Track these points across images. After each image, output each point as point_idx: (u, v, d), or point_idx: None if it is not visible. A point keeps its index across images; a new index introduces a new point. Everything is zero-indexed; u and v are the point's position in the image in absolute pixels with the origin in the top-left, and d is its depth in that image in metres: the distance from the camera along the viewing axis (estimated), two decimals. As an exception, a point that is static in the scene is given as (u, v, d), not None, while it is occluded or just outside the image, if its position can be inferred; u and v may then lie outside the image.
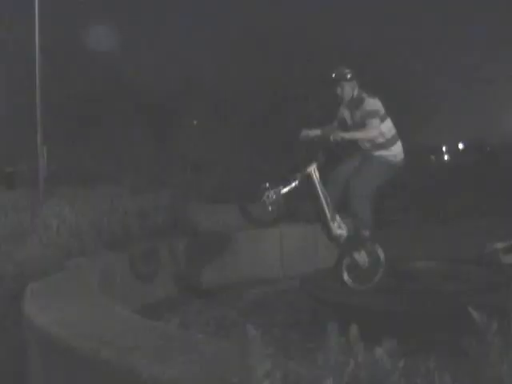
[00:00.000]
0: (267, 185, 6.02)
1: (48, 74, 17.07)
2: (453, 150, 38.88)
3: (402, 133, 6.49)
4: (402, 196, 12.58)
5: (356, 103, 6.31)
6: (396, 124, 6.46)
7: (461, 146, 40.85)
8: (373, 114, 6.15)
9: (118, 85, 20.27)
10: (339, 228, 6.28)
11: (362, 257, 6.30)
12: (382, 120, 6.24)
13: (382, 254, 6.32)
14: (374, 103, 6.21)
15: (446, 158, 35.86)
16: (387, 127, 6.30)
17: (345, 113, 6.52)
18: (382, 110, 6.28)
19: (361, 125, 6.24)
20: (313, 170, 6.16)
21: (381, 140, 6.26)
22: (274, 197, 5.98)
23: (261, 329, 5.32)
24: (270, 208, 5.98)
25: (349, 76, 6.33)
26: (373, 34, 19.34)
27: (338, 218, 6.31)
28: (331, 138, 6.06)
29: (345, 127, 6.45)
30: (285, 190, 6.04)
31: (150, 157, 16.39)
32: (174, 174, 13.72)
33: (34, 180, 13.94)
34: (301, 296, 6.75)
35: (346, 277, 6.20)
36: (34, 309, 4.68)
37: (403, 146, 6.44)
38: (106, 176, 12.62)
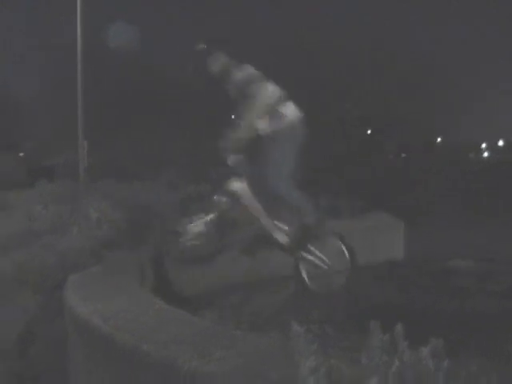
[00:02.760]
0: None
1: (90, 70, 17.27)
2: (493, 148, 38.41)
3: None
4: (441, 194, 12.46)
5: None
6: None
7: (501, 143, 40.35)
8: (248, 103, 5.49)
9: (156, 80, 20.38)
10: (283, 234, 5.91)
11: (319, 257, 5.84)
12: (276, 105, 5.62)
13: (346, 251, 5.85)
14: (267, 89, 5.55)
15: (486, 154, 35.47)
16: (268, 96, 5.54)
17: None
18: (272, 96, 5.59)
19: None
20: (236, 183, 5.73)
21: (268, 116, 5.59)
22: (196, 230, 5.69)
23: (299, 324, 5.31)
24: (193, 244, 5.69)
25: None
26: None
27: (277, 224, 5.92)
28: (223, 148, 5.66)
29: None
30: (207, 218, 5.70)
31: (188, 151, 16.43)
32: (211, 167, 13.71)
33: (74, 173, 14.09)
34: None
35: (308, 282, 5.83)
36: (75, 300, 4.73)
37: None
38: (145, 169, 12.69)
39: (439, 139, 24.58)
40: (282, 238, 5.92)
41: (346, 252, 5.86)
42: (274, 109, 5.62)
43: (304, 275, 5.83)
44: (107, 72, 20.48)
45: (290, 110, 5.71)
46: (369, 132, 15.16)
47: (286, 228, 5.93)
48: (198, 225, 5.68)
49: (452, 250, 7.81)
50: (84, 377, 4.50)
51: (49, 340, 5.49)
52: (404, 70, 15.67)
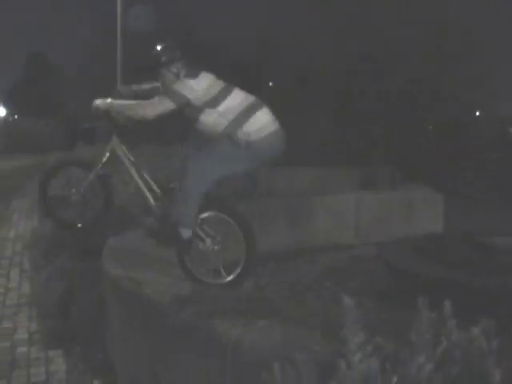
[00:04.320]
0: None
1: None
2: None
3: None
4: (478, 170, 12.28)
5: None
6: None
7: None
8: (173, 94, 4.79)
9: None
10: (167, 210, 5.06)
11: (207, 244, 5.05)
12: (216, 102, 4.84)
13: (244, 239, 4.98)
14: (187, 86, 4.82)
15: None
16: (230, 106, 4.84)
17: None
18: (212, 91, 4.86)
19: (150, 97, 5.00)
20: (116, 146, 5.18)
21: (223, 123, 4.80)
22: (77, 193, 5.19)
23: (335, 295, 5.30)
24: (76, 208, 5.28)
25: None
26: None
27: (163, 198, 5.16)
28: (94, 104, 5.01)
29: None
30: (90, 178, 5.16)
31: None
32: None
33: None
34: (377, 264, 6.64)
35: (196, 272, 5.04)
36: (113, 265, 4.77)
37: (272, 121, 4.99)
38: (182, 133, 12.69)
39: (478, 113, 24.17)
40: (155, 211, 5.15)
41: (243, 242, 5.00)
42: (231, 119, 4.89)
43: (191, 263, 5.05)
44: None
45: (251, 125, 4.88)
46: (410, 106, 15.00)
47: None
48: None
49: (492, 226, 7.71)
50: (121, 340, 4.55)
51: (88, 302, 5.55)
52: (445, 46, 15.43)
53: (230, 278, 5.03)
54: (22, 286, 7.23)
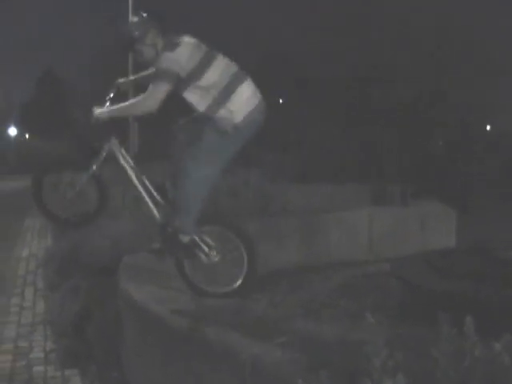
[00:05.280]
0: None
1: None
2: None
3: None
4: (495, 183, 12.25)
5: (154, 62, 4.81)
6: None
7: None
8: (162, 74, 4.61)
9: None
10: (167, 216, 4.93)
11: (208, 254, 4.90)
12: (196, 76, 4.64)
13: (245, 252, 4.87)
14: (170, 59, 4.62)
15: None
16: (212, 78, 4.67)
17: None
18: (194, 62, 4.66)
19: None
20: (114, 146, 5.03)
21: (207, 100, 4.65)
22: (71, 191, 5.07)
23: (350, 312, 5.28)
24: (68, 204, 5.11)
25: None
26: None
27: (163, 203, 4.99)
28: (94, 115, 4.84)
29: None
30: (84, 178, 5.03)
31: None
32: (262, 153, 13.76)
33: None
34: (391, 280, 6.62)
35: (194, 279, 4.87)
36: (129, 283, 4.78)
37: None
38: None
39: (489, 127, 24.13)
40: (165, 221, 4.96)
41: (244, 255, 4.89)
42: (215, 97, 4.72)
43: (189, 270, 4.91)
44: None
45: (237, 105, 4.69)
46: (421, 120, 15.00)
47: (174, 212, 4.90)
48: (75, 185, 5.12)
49: (506, 239, 7.66)
50: (137, 359, 4.55)
51: (103, 320, 5.56)
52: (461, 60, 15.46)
53: (228, 290, 4.87)
54: (36, 305, 7.25)
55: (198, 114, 4.76)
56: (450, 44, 15.13)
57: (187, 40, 4.78)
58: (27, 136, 53.89)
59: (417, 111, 14.72)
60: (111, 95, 5.14)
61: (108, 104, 5.02)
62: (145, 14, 4.92)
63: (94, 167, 5.01)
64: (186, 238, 4.83)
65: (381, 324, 5.13)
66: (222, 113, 4.63)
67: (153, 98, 4.62)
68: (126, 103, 4.84)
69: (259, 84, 4.91)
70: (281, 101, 19.82)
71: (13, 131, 53.50)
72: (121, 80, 5.30)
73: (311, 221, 8.52)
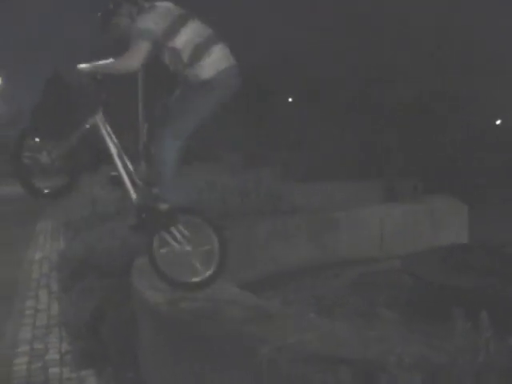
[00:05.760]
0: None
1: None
2: None
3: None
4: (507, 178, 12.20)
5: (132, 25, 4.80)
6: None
7: None
8: (140, 33, 4.64)
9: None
10: (144, 196, 4.83)
11: (179, 241, 4.82)
12: (174, 32, 4.68)
13: (218, 243, 4.75)
14: (146, 19, 4.69)
15: None
16: (187, 36, 4.72)
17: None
18: (170, 20, 4.72)
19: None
20: (99, 121, 4.91)
21: (179, 59, 4.70)
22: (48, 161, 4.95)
23: (362, 309, 5.29)
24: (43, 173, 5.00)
25: None
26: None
27: (139, 181, 4.87)
28: (79, 69, 4.78)
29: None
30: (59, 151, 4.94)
31: (249, 135, 16.51)
32: (272, 152, 13.78)
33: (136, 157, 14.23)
34: (403, 276, 6.64)
35: (162, 267, 4.80)
36: (142, 283, 4.81)
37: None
38: (206, 153, 12.76)
39: (499, 121, 24.02)
40: (140, 200, 4.87)
41: (216, 246, 4.78)
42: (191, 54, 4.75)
43: (157, 257, 4.81)
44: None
45: (213, 60, 4.73)
46: (431, 116, 14.97)
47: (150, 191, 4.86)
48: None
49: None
50: (152, 357, 4.57)
51: (118, 321, 5.59)
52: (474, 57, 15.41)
53: (197, 279, 4.73)
54: (51, 307, 7.29)
55: (172, 75, 4.82)
56: (458, 41, 15.11)
57: (161, 3, 4.86)
58: (38, 139, 54.05)
59: (427, 107, 14.69)
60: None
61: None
62: None
63: (74, 139, 4.93)
64: (165, 206, 4.77)
65: (394, 320, 5.17)
66: (191, 71, 4.69)
67: (134, 56, 4.66)
68: (108, 61, 4.82)
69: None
70: (290, 99, 19.82)
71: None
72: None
73: (322, 219, 8.54)
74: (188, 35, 4.74)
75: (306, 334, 3.05)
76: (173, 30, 4.73)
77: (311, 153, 13.21)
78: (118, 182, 4.92)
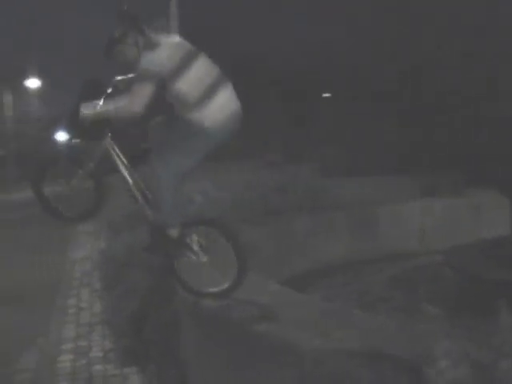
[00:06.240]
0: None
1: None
2: None
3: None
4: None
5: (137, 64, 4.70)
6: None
7: None
8: (144, 74, 4.55)
9: (249, 58, 20.44)
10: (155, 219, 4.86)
11: (197, 254, 4.81)
12: (176, 76, 4.59)
13: (236, 254, 4.67)
14: (151, 59, 4.56)
15: None
16: (194, 77, 4.63)
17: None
18: (175, 61, 4.62)
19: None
20: (108, 145, 4.97)
21: (187, 100, 4.59)
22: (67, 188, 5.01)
23: (405, 304, 5.23)
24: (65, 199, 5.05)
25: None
26: None
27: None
28: (81, 113, 4.80)
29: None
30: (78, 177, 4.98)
31: (288, 131, 16.47)
32: (312, 147, 13.72)
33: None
34: (446, 270, 6.56)
35: (182, 276, 4.85)
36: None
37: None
38: (246, 150, 12.76)
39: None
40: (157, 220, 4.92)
41: (234, 257, 4.70)
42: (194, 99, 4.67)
43: (180, 269, 4.86)
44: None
45: (211, 108, 4.66)
46: (473, 108, 14.74)
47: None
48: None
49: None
50: (196, 356, 4.58)
51: (160, 320, 5.62)
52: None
53: (215, 290, 4.68)
54: (93, 306, 7.35)
55: (174, 114, 4.73)
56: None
57: (168, 39, 4.77)
58: (75, 141, 54.58)
59: (468, 98, 14.46)
60: (108, 92, 5.01)
61: (100, 102, 4.92)
62: (123, 14, 4.85)
63: (91, 165, 4.97)
64: (174, 232, 4.79)
65: (438, 315, 5.11)
66: (196, 114, 4.60)
67: (137, 100, 4.57)
68: (111, 106, 4.81)
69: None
70: (329, 95, 19.73)
71: (61, 136, 54.29)
72: (118, 78, 5.17)
73: (362, 214, 8.50)
74: (195, 76, 4.65)
75: (349, 330, 3.03)
76: (180, 70, 4.63)
77: (350, 148, 13.09)
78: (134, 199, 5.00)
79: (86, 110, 4.84)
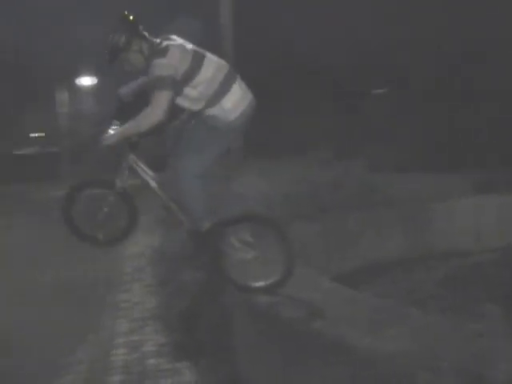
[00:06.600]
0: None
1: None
2: None
3: None
4: None
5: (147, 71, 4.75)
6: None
7: None
8: (159, 82, 4.57)
9: (301, 57, 20.36)
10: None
11: (238, 249, 4.83)
12: (192, 74, 4.65)
13: (281, 247, 4.69)
14: (163, 65, 4.58)
15: None
16: (205, 78, 4.69)
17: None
18: (186, 63, 4.65)
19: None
20: (131, 161, 4.99)
21: (201, 99, 4.69)
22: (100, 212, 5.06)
23: (457, 303, 5.14)
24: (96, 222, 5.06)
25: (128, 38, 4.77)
26: None
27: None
28: (102, 144, 4.82)
29: None
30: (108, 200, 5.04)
31: (339, 127, 16.39)
32: (364, 143, 13.62)
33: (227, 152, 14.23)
34: (502, 269, 6.45)
35: (233, 275, 4.82)
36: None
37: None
38: (297, 147, 12.74)
39: None
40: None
41: (282, 252, 4.73)
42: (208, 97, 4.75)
43: (227, 266, 4.88)
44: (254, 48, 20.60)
45: (226, 103, 4.74)
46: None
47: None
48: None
49: None
50: (248, 352, 4.59)
51: (213, 316, 5.65)
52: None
53: (263, 284, 4.70)
54: (145, 301, 7.41)
55: (192, 112, 4.80)
56: None
57: (174, 43, 4.76)
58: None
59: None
60: (115, 110, 5.10)
61: (114, 125, 4.95)
62: (124, 21, 4.86)
63: (119, 184, 5.02)
64: (206, 225, 4.82)
65: (493, 314, 5.02)
66: (215, 111, 4.68)
67: (158, 107, 4.60)
68: (133, 122, 4.79)
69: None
70: (380, 90, 19.57)
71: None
72: (122, 90, 5.17)
73: (415, 211, 8.41)
74: (207, 74, 4.71)
75: (401, 328, 3.00)
76: (192, 71, 4.67)
77: (404, 143, 12.96)
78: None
79: (108, 141, 4.86)
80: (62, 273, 8.79)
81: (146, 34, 4.82)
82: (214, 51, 4.89)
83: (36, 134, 33.47)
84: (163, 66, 4.57)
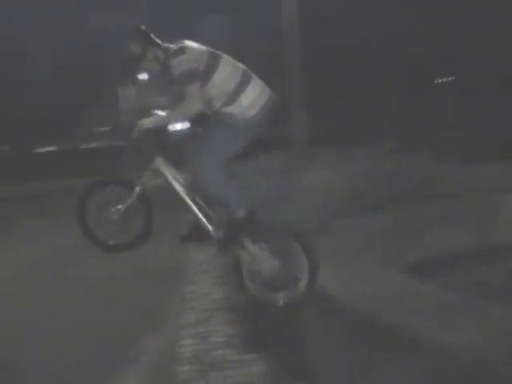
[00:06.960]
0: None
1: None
2: None
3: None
4: None
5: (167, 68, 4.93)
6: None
7: None
8: (186, 77, 4.75)
9: (371, 46, 20.16)
10: (218, 226, 5.10)
11: (255, 256, 5.05)
12: (209, 74, 4.84)
13: (305, 256, 4.76)
14: (183, 61, 4.76)
15: None
16: (222, 77, 4.87)
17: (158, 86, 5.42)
18: (203, 61, 4.84)
19: (179, 96, 4.87)
20: (160, 166, 5.14)
21: (219, 98, 4.86)
22: (115, 217, 5.17)
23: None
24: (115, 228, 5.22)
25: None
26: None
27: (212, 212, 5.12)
28: (145, 129, 5.03)
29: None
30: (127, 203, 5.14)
31: (403, 118, 16.21)
32: (430, 134, 13.47)
33: (290, 144, 14.21)
34: None
35: (252, 287, 5.12)
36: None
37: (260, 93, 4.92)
38: (364, 137, 12.66)
39: None
40: (214, 232, 5.18)
41: (304, 258, 4.78)
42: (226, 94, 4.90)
43: (247, 278, 5.16)
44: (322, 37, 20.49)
45: (244, 100, 4.87)
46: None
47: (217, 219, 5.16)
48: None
49: None
50: (317, 344, 4.58)
51: (280, 308, 5.64)
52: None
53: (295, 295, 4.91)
54: (212, 292, 7.44)
55: (211, 111, 4.96)
56: None
57: (188, 44, 4.94)
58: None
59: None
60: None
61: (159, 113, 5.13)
62: (138, 32, 5.03)
63: (138, 189, 5.14)
64: (241, 212, 4.99)
65: None
66: (233, 109, 4.86)
67: (193, 100, 4.78)
68: (172, 111, 5.03)
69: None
70: (445, 80, 19.29)
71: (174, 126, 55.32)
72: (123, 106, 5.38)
73: (482, 202, 8.27)
74: (224, 74, 4.89)
75: (473, 320, 2.96)
76: (208, 70, 4.87)
77: (470, 133, 12.76)
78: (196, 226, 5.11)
79: (146, 125, 5.08)
80: (133, 265, 8.89)
81: (159, 41, 4.96)
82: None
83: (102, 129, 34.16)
84: (185, 61, 4.79)
